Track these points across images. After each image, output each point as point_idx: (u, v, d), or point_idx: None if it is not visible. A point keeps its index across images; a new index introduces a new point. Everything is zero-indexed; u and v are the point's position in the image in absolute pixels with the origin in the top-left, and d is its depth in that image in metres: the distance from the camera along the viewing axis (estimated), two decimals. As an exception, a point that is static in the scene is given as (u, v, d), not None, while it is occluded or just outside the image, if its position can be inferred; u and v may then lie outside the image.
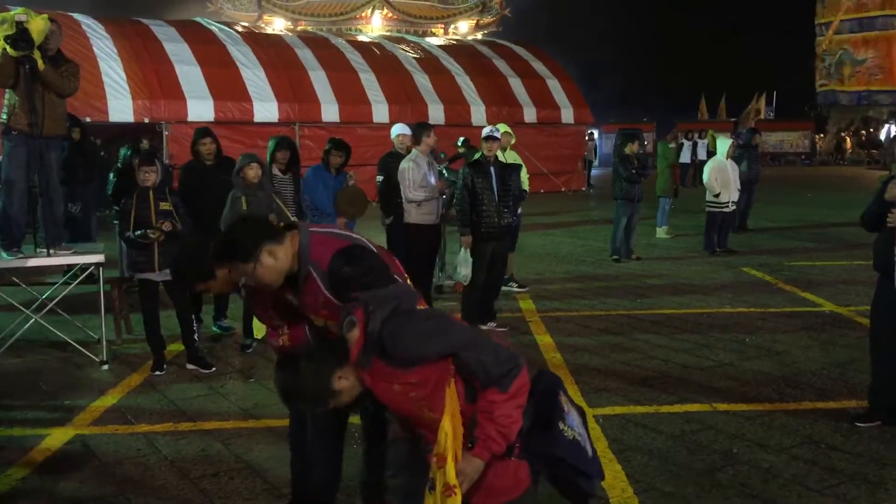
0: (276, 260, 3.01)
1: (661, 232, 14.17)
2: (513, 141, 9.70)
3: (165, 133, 18.05)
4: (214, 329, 7.77)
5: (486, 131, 7.92)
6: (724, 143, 12.71)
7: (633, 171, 11.42)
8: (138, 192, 6.48)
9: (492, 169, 7.67)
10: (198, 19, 23.66)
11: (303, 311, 3.20)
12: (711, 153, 19.84)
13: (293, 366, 2.48)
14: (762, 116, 45.12)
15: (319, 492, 3.73)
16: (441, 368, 2.41)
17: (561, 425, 2.49)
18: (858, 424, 5.13)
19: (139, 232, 6.36)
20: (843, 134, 43.77)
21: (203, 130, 7.70)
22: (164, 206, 6.50)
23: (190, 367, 6.59)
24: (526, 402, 2.46)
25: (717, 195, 12.13)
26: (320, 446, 3.63)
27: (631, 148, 11.65)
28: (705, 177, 12.37)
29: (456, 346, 2.39)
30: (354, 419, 3.79)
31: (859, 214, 5.27)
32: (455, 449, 2.43)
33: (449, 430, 2.42)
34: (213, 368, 6.58)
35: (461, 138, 10.81)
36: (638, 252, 11.91)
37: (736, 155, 14.67)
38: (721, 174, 12.13)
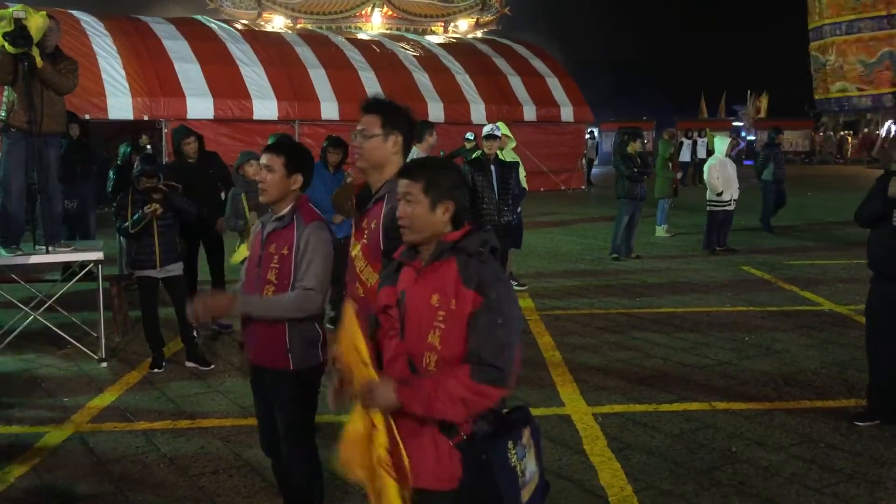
0: (392, 150, 3.08)
1: (660, 231, 14.16)
2: (513, 144, 9.64)
3: (165, 131, 18.02)
4: (213, 327, 7.76)
5: (486, 130, 7.91)
6: (722, 142, 12.68)
7: (635, 170, 11.40)
8: (136, 191, 6.46)
9: (492, 167, 7.66)
10: (197, 17, 23.64)
11: (357, 230, 3.19)
12: (711, 152, 19.85)
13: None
14: (763, 115, 45.16)
15: (303, 492, 3.66)
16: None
17: (510, 445, 2.45)
18: (857, 423, 5.12)
19: (136, 216, 6.31)
20: (843, 133, 43.78)
21: (186, 130, 7.71)
22: (156, 195, 6.49)
23: (189, 364, 6.59)
24: (470, 414, 2.40)
25: (719, 194, 12.11)
26: (293, 445, 3.56)
27: (633, 147, 11.63)
28: (707, 176, 12.34)
29: (500, 309, 2.39)
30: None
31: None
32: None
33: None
34: (212, 366, 6.59)
35: (470, 133, 10.79)
36: (637, 251, 11.91)
37: (762, 157, 14.75)
38: (722, 172, 12.11)
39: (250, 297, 3.44)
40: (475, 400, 2.37)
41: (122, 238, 9.79)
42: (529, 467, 2.50)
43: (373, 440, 2.47)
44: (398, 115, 3.12)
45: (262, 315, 3.39)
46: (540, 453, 2.59)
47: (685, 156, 25.76)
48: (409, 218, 2.52)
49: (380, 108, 3.11)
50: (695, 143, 26.77)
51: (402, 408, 2.41)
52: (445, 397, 2.35)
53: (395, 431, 2.44)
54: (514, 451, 2.45)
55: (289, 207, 3.48)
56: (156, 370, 6.47)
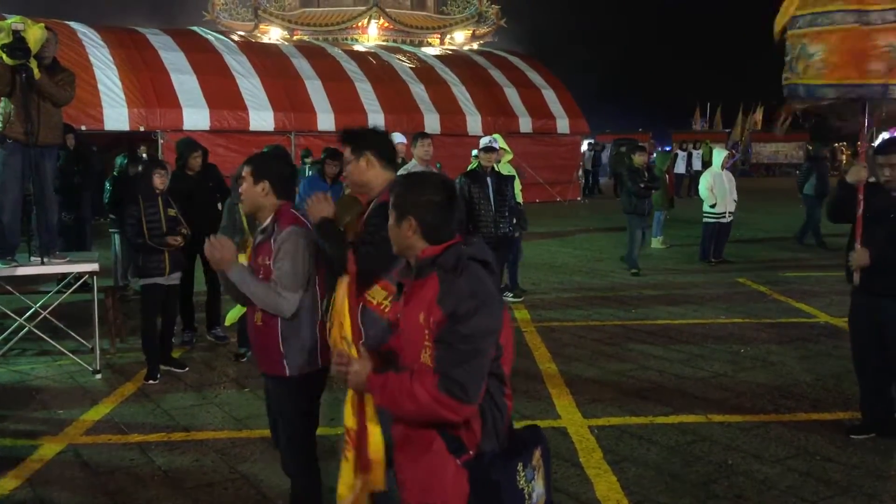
0: (369, 169, 3.40)
1: (655, 242, 14.19)
2: (509, 157, 9.66)
3: (161, 142, 18.03)
4: (208, 338, 7.74)
5: (484, 142, 7.93)
6: (719, 154, 12.74)
7: (642, 185, 11.27)
8: (146, 199, 6.53)
9: (488, 179, 7.69)
10: (194, 28, 23.68)
11: None
12: (707, 164, 19.88)
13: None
14: (758, 128, 45.28)
15: (301, 500, 3.70)
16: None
17: (520, 467, 2.43)
18: (853, 436, 5.13)
19: (157, 239, 6.46)
20: (836, 145, 43.94)
21: (194, 144, 7.71)
22: (171, 212, 6.65)
23: (163, 367, 6.70)
24: (429, 420, 2.38)
25: (712, 206, 12.16)
26: (292, 455, 3.62)
27: (639, 160, 11.56)
28: (701, 187, 12.42)
29: (467, 323, 2.33)
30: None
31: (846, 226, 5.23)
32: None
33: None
34: (187, 368, 6.77)
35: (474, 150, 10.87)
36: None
37: (804, 169, 14.56)
38: (716, 185, 12.16)
39: (243, 270, 3.47)
40: (436, 408, 2.34)
41: (117, 249, 9.82)
42: (537, 489, 2.48)
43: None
44: (367, 137, 3.48)
45: (239, 287, 3.44)
46: (549, 474, 2.57)
47: (680, 167, 25.85)
48: (388, 230, 2.63)
49: (352, 139, 3.46)
50: (690, 155, 26.86)
51: (370, 392, 2.47)
52: (408, 399, 2.37)
53: (366, 412, 2.47)
54: (522, 474, 2.43)
55: (269, 218, 3.58)
56: (151, 381, 6.45)
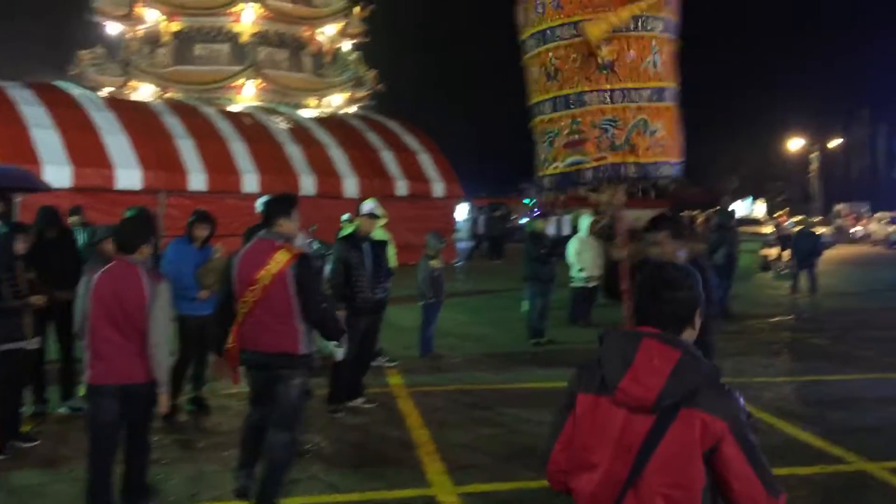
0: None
1: (525, 305, 14.48)
2: (383, 222, 9.66)
3: (16, 200, 17.04)
4: (62, 410, 7.27)
5: (368, 208, 7.93)
6: (585, 221, 13.30)
7: (543, 252, 11.47)
8: (5, 262, 6.25)
9: (365, 244, 7.71)
10: (58, 83, 22.78)
11: None
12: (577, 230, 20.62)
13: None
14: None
15: None
16: None
17: None
18: None
19: (20, 301, 6.20)
20: (694, 213, 46.70)
21: (52, 218, 7.49)
22: (29, 275, 6.40)
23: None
24: None
25: (580, 269, 12.62)
26: None
27: (541, 225, 11.84)
28: (568, 253, 12.88)
29: None
30: None
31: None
32: None
33: None
34: (38, 441, 6.37)
35: (346, 214, 10.83)
36: (504, 325, 12.06)
37: (714, 238, 13.85)
38: (583, 250, 12.67)
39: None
40: None
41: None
42: None
43: None
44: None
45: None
46: None
47: (549, 232, 26.72)
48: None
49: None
50: (559, 221, 27.86)
51: None
52: None
53: None
54: None
55: None
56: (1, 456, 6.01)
